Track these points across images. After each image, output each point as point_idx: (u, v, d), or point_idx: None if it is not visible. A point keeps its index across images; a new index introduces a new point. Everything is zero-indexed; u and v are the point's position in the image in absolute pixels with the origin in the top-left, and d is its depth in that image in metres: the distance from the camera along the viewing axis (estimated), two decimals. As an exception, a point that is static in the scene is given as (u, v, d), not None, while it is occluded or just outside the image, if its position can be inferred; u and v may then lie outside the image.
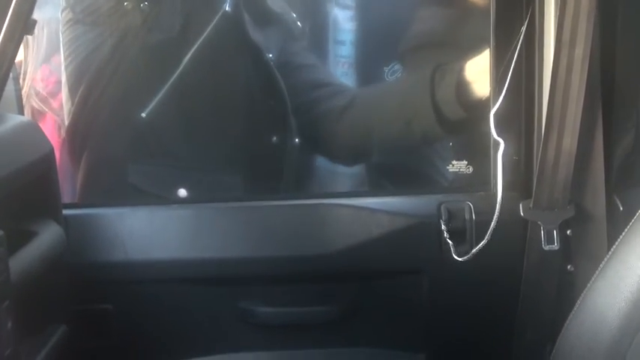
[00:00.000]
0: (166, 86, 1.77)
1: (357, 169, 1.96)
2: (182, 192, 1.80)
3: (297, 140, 1.87)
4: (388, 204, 1.70)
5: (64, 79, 1.86)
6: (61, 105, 1.89)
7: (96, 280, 1.68)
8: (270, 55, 1.84)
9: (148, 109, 1.78)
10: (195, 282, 1.71)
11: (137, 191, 1.83)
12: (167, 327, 1.73)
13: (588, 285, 1.31)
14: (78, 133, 1.86)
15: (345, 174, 1.96)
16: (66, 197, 1.80)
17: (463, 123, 1.74)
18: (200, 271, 1.70)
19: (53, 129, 1.94)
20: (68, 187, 1.88)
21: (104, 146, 1.86)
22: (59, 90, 1.91)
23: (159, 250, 1.68)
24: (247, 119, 1.85)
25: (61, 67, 1.87)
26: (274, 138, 1.85)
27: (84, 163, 1.84)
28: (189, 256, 1.69)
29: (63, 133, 1.90)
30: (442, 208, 1.68)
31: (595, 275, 1.30)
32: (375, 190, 1.96)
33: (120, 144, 1.86)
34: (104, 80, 1.80)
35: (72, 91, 1.84)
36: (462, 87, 1.72)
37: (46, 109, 1.95)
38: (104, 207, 1.72)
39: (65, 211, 1.60)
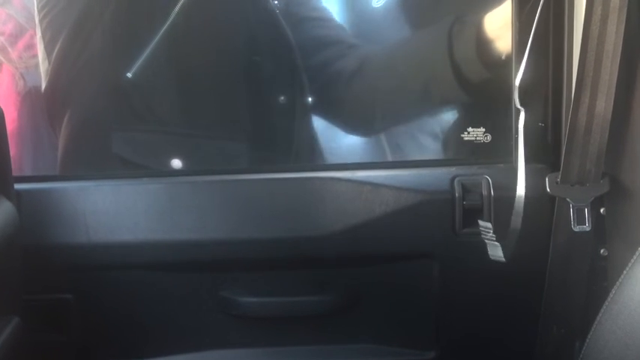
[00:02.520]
0: (155, 40, 1.75)
1: (371, 139, 1.95)
2: (176, 162, 1.78)
3: (301, 106, 1.85)
4: (394, 178, 1.69)
5: (39, 33, 1.84)
6: (21, 56, 1.87)
7: (53, 265, 1.67)
8: (276, 2, 1.82)
9: (134, 68, 1.76)
10: (169, 268, 1.70)
11: (122, 162, 1.82)
12: (135, 320, 1.74)
13: (624, 272, 1.30)
14: (54, 95, 1.85)
15: (355, 144, 1.95)
16: (19, 169, 1.79)
17: (485, 84, 1.73)
18: (174, 256, 1.69)
19: (10, 84, 1.92)
20: (24, 157, 1.86)
21: (84, 111, 1.84)
22: (18, 37, 1.89)
23: (126, 230, 1.67)
24: (248, 78, 1.83)
25: (22, 12, 1.86)
26: (278, 101, 1.83)
27: (64, 131, 1.83)
28: (161, 238, 1.68)
29: (21, 88, 1.88)
30: (456, 182, 1.67)
31: (632, 260, 1.28)
32: (379, 161, 1.94)
33: (102, 108, 1.84)
34: (84, 35, 1.78)
35: (48, 47, 1.82)
36: (482, 42, 1.70)
37: (3, 60, 1.93)
38: (63, 181, 1.71)
39: (17, 186, 1.60)
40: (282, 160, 1.84)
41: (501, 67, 1.65)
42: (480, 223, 1.62)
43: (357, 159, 1.91)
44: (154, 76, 1.78)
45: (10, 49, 1.92)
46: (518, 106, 1.54)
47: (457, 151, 1.81)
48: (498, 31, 1.68)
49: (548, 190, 1.58)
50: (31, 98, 1.90)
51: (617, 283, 1.30)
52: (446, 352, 1.78)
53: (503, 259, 1.58)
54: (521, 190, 1.54)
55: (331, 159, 1.92)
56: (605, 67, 1.45)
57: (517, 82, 1.53)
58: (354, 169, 1.73)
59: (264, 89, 1.83)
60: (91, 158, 1.83)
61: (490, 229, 1.61)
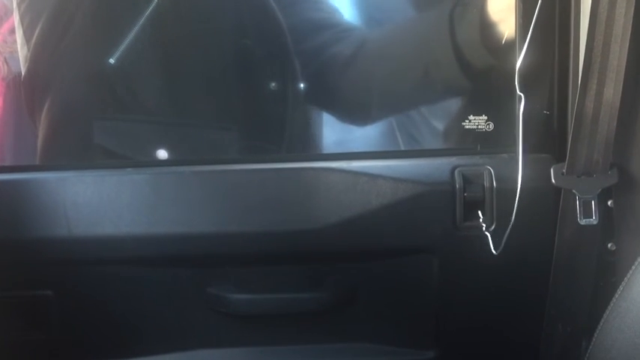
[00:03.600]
0: (139, 25, 1.73)
1: (367, 128, 1.94)
2: (161, 152, 1.77)
3: (294, 93, 1.84)
4: (391, 168, 1.68)
5: (17, 18, 1.83)
6: (5, 40, 1.86)
7: (32, 260, 1.66)
8: None
9: (117, 54, 1.74)
10: (154, 263, 1.70)
11: (105, 152, 1.80)
12: (119, 318, 1.73)
13: (633, 267, 1.30)
14: (34, 82, 1.84)
15: (350, 133, 1.94)
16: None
17: (487, 70, 1.72)
18: (160, 250, 1.68)
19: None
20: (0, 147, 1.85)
21: (65, 99, 1.83)
22: (2, 20, 1.87)
23: (109, 223, 1.66)
24: (238, 64, 1.82)
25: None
26: (269, 88, 1.82)
27: (44, 119, 1.82)
28: (146, 232, 1.66)
29: (5, 74, 1.87)
30: (456, 172, 1.66)
31: (641, 255, 1.28)
32: (376, 151, 1.93)
33: (84, 96, 1.82)
34: (64, 19, 1.77)
35: (27, 32, 1.81)
36: (485, 26, 1.69)
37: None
38: (42, 171, 1.70)
39: (-8, 176, 1.59)
40: (274, 149, 1.83)
41: (504, 52, 1.63)
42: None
43: (352, 148, 1.91)
44: (137, 62, 1.77)
45: None
46: (519, 91, 1.52)
47: (458, 140, 1.80)
48: (502, 14, 1.67)
49: (553, 181, 1.56)
50: (10, 85, 1.89)
51: (626, 278, 1.30)
52: (446, 352, 1.78)
53: (494, 252, 1.58)
54: (520, 182, 1.53)
55: (325, 148, 1.91)
56: (614, 52, 1.43)
57: (518, 65, 1.52)
58: (350, 159, 1.71)
59: (255, 75, 1.81)
60: (72, 148, 1.82)
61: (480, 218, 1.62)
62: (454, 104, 1.82)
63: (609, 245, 1.61)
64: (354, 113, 1.89)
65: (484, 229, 1.63)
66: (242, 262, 1.71)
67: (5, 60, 1.88)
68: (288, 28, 1.79)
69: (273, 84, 1.81)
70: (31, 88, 1.84)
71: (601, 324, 1.35)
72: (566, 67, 1.61)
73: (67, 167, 1.70)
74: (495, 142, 1.71)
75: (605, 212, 1.58)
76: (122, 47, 1.73)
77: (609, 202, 1.59)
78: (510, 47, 1.62)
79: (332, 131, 1.91)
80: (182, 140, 1.80)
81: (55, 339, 1.71)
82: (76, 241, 1.65)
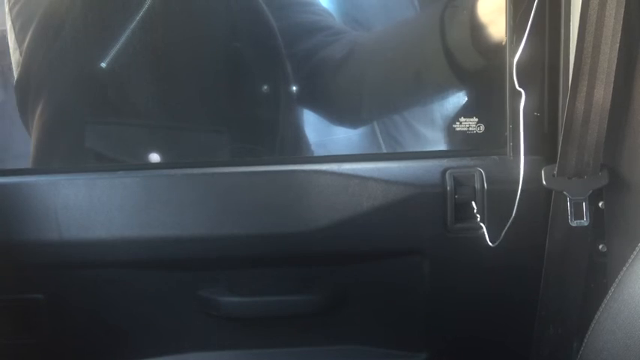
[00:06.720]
0: (130, 28, 1.73)
1: (358, 130, 1.94)
2: (153, 155, 1.76)
3: (285, 96, 1.84)
4: (382, 171, 1.68)
5: (9, 22, 1.83)
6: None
7: (23, 264, 1.66)
8: None
9: (108, 58, 1.74)
10: (146, 266, 1.69)
11: (96, 155, 1.79)
12: (110, 322, 1.73)
13: (624, 268, 1.29)
14: (26, 86, 1.83)
15: (341, 135, 1.94)
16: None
17: (479, 71, 1.72)
18: (151, 253, 1.68)
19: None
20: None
21: (56, 103, 1.82)
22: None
23: (100, 227, 1.65)
24: (229, 67, 1.82)
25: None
26: (261, 91, 1.82)
27: (35, 123, 1.81)
28: (137, 235, 1.66)
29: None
30: (447, 175, 1.66)
31: (632, 256, 1.28)
32: (367, 153, 1.93)
33: (75, 100, 1.82)
34: (56, 23, 1.76)
35: (19, 37, 1.81)
36: (476, 28, 1.69)
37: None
38: (33, 174, 1.69)
39: (-18, 180, 1.58)
40: (265, 152, 1.83)
41: (495, 55, 1.63)
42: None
43: (343, 151, 1.91)
44: (129, 66, 1.76)
45: None
46: (517, 87, 1.52)
47: (449, 142, 1.79)
48: (492, 16, 1.67)
49: (544, 183, 1.56)
50: (2, 89, 1.89)
51: (617, 280, 1.30)
52: (437, 354, 1.77)
53: (491, 244, 1.58)
54: (520, 178, 1.53)
55: (317, 151, 1.91)
56: (604, 54, 1.44)
57: (515, 59, 1.51)
58: (341, 162, 1.71)
59: (246, 78, 1.81)
60: (63, 151, 1.81)
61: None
62: (445, 106, 1.82)
63: (600, 247, 1.61)
64: (345, 116, 1.89)
65: (476, 228, 1.63)
66: (233, 264, 1.71)
67: None
68: (280, 31, 1.79)
69: (265, 87, 1.81)
70: (23, 91, 1.83)
71: (592, 325, 1.34)
72: (557, 70, 1.61)
73: (58, 170, 1.69)
74: (486, 144, 1.71)
75: (596, 214, 1.58)
76: (113, 51, 1.72)
77: (600, 204, 1.59)
78: (501, 49, 1.62)
79: (323, 134, 1.91)
80: (173, 143, 1.79)
81: (45, 343, 1.70)
82: (66, 244, 1.65)
